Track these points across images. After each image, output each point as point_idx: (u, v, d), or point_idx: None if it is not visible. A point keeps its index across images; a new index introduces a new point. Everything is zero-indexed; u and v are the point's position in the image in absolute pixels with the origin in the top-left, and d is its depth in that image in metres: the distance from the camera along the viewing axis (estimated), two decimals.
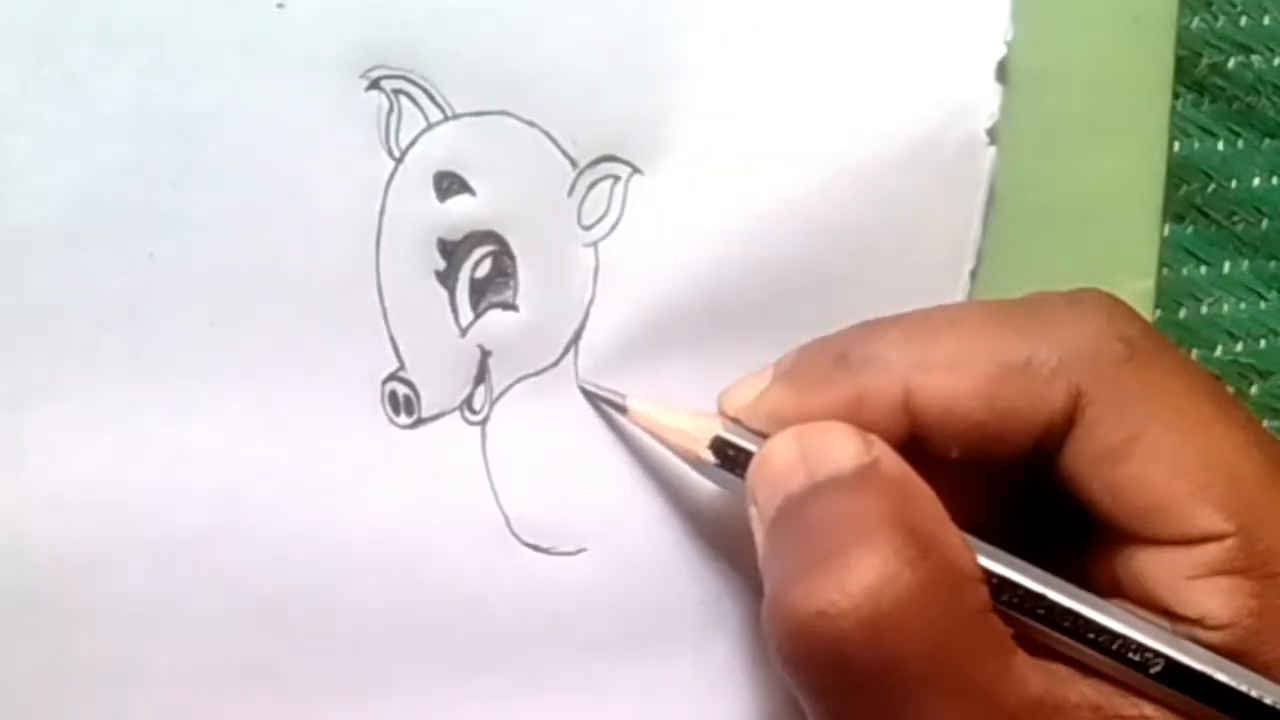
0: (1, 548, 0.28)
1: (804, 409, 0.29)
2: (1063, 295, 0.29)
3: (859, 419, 0.28)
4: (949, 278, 0.34)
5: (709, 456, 0.29)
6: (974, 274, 0.34)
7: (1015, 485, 0.29)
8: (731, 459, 0.29)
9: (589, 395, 0.31)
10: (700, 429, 0.30)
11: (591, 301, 0.31)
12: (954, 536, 0.27)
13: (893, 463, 0.27)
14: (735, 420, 0.30)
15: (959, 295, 0.34)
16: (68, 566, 0.28)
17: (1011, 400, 0.27)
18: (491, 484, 0.31)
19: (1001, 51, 0.33)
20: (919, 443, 0.28)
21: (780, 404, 0.29)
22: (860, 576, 0.25)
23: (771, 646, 0.26)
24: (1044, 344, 0.28)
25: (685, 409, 0.30)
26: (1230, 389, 0.41)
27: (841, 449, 0.27)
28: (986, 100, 0.33)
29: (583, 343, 0.31)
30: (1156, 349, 0.28)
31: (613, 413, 0.31)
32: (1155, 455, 0.27)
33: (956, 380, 0.28)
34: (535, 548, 0.31)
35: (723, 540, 0.32)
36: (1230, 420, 0.27)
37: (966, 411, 0.28)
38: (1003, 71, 0.33)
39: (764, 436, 0.29)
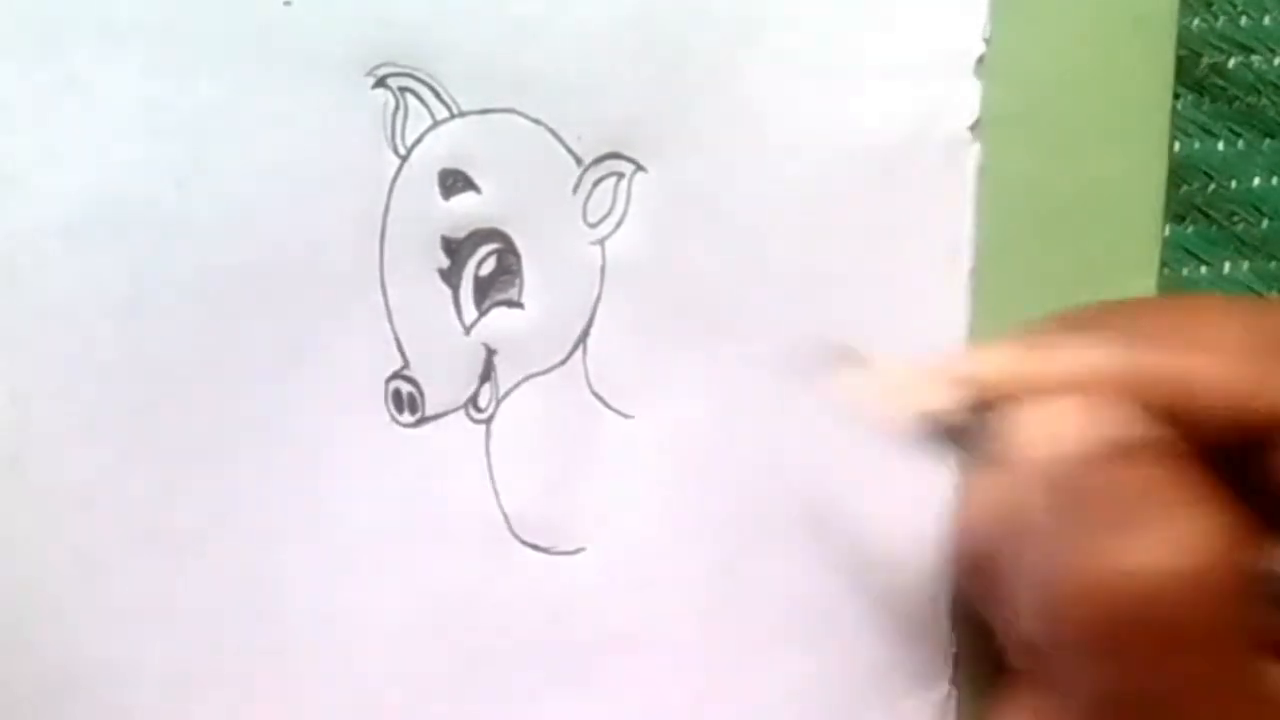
0: (1, 547, 0.28)
1: (1068, 370, 0.28)
2: None
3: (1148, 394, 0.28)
4: (948, 275, 0.34)
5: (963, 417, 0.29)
6: (973, 272, 0.34)
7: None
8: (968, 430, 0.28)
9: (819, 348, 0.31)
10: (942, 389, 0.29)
11: (599, 299, 0.31)
12: (1242, 529, 0.26)
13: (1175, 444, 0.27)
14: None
15: (960, 293, 0.34)
16: (68, 567, 0.28)
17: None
18: (493, 482, 0.31)
19: (981, 48, 0.33)
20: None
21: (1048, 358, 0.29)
22: (1178, 539, 0.25)
23: (1064, 611, 0.26)
24: None
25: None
26: None
27: (1127, 421, 0.27)
28: (968, 97, 0.33)
29: (590, 340, 0.31)
30: None
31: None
32: None
33: (1228, 364, 0.27)
34: (535, 547, 0.31)
35: (724, 541, 0.32)
36: None
37: (1230, 396, 0.27)
38: (982, 67, 0.33)
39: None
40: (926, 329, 0.34)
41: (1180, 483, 0.26)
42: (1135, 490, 0.26)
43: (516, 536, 0.31)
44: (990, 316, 0.34)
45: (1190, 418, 0.27)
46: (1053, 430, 0.27)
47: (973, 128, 0.33)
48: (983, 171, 0.34)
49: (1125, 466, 0.26)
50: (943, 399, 0.29)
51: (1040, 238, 0.35)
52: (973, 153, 0.33)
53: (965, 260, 0.34)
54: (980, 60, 0.33)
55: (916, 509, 0.32)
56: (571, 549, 0.32)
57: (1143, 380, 0.28)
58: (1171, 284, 0.39)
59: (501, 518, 0.31)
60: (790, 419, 0.33)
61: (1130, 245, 0.36)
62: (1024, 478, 0.28)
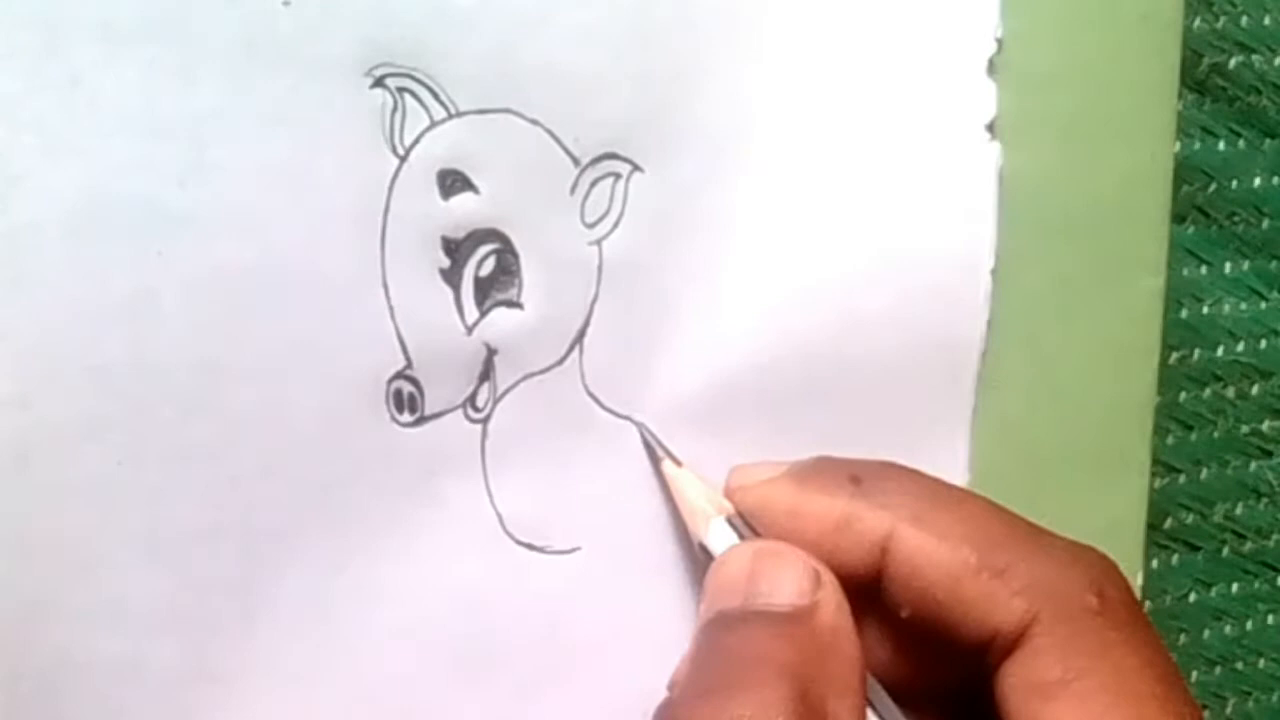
0: (4, 547, 0.28)
1: (797, 507, 0.30)
2: (1068, 539, 0.30)
3: (839, 539, 0.29)
4: (969, 277, 0.34)
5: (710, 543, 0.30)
6: (994, 273, 0.34)
7: (961, 677, 0.29)
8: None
9: (642, 436, 0.32)
10: (708, 512, 0.31)
11: (595, 300, 0.31)
12: (848, 712, 0.27)
13: (830, 613, 0.28)
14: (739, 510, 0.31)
15: (981, 295, 0.34)
16: (70, 565, 0.28)
17: (973, 594, 0.28)
18: (487, 482, 0.31)
19: (992, 48, 0.33)
20: (879, 589, 0.29)
21: (778, 495, 0.30)
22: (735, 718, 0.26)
23: None
24: (1027, 562, 0.28)
25: (708, 490, 0.31)
26: (1232, 389, 0.41)
27: (787, 582, 0.28)
28: (983, 97, 0.33)
29: (586, 341, 0.31)
30: (1130, 619, 0.28)
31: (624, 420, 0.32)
32: (1085, 704, 0.27)
33: (937, 549, 0.28)
34: (529, 546, 0.31)
35: None
36: (1168, 709, 0.28)
37: (930, 582, 0.28)
38: (994, 68, 0.33)
39: (756, 535, 0.30)
40: (943, 331, 0.34)
41: (794, 668, 0.27)
42: (745, 663, 0.27)
43: (510, 536, 0.31)
44: (1003, 316, 0.34)
45: (893, 587, 0.29)
46: (723, 575, 0.29)
47: (990, 127, 0.33)
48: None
49: (758, 635, 0.27)
50: (710, 524, 0.30)
51: (1050, 237, 0.35)
52: (992, 152, 0.34)
53: (987, 260, 0.34)
54: (993, 60, 0.33)
55: None
56: (566, 548, 0.32)
57: (878, 543, 0.29)
58: (1173, 283, 0.39)
59: (495, 517, 0.31)
60: (785, 418, 0.33)
61: (1140, 243, 0.36)
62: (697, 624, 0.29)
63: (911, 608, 0.29)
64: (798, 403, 0.33)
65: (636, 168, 0.31)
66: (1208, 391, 0.41)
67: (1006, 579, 0.28)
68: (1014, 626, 0.28)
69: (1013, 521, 0.29)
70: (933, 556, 0.28)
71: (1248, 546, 0.42)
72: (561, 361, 0.31)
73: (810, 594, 0.28)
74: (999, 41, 0.33)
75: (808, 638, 0.27)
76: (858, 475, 0.30)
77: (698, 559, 0.31)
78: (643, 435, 0.32)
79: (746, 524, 0.30)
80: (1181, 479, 0.41)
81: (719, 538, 0.30)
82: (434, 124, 0.30)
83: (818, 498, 0.30)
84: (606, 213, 0.31)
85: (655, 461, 0.32)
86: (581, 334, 0.31)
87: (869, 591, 0.29)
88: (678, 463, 0.32)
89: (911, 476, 0.30)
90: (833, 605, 0.28)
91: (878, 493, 0.29)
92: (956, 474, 0.35)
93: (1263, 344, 0.41)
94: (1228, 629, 0.42)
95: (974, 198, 0.34)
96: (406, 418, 0.30)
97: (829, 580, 0.28)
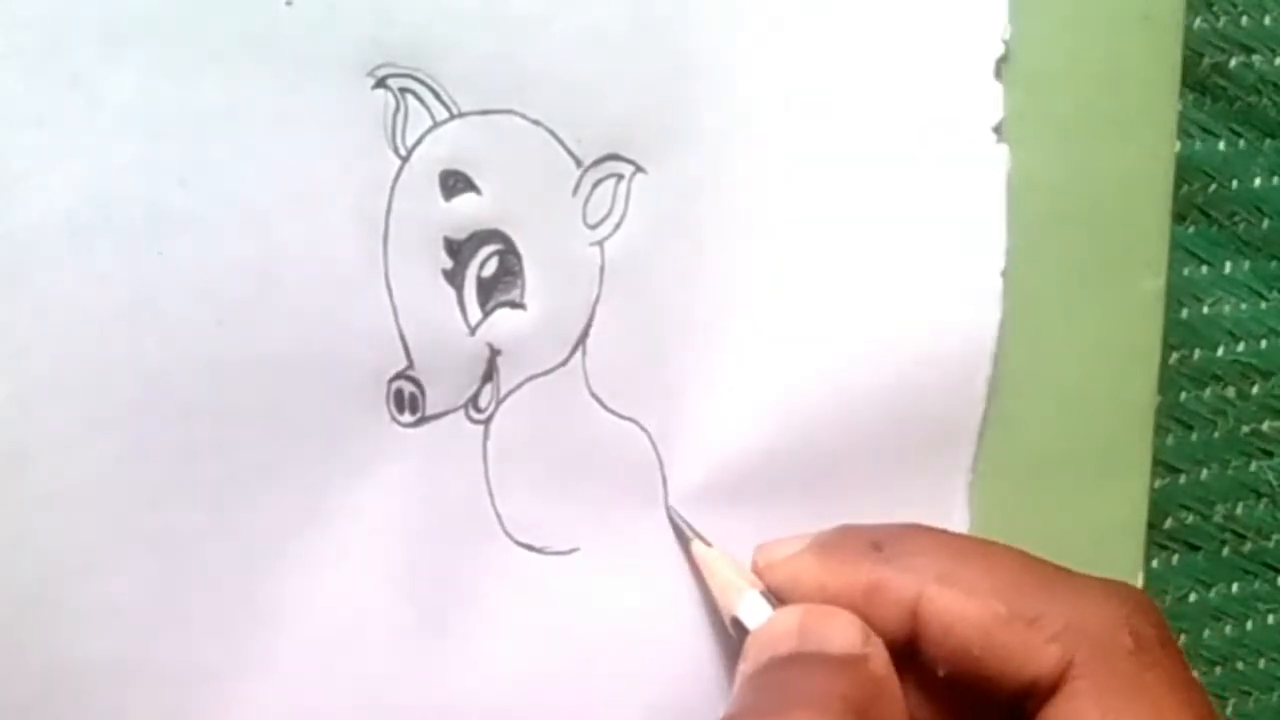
0: (3, 546, 0.28)
1: (824, 581, 0.30)
2: (1098, 578, 0.30)
3: (870, 607, 0.29)
4: (980, 277, 0.34)
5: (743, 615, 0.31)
6: (1005, 274, 0.34)
7: None
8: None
9: (671, 519, 0.32)
10: (740, 586, 0.31)
11: (597, 300, 0.31)
12: None
13: (881, 664, 0.28)
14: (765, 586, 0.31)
15: (993, 295, 0.34)
16: (69, 565, 0.28)
17: (1007, 645, 0.28)
18: (488, 482, 0.31)
19: (1000, 50, 0.33)
20: (915, 651, 0.29)
21: (804, 570, 0.30)
22: None
23: None
24: (1058, 607, 0.28)
25: (739, 567, 0.32)
26: (1232, 389, 0.41)
27: (839, 633, 0.29)
28: (990, 99, 0.33)
29: (589, 342, 0.31)
30: (1165, 657, 0.28)
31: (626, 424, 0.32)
32: None
33: (966, 605, 0.29)
34: (528, 547, 0.31)
35: (718, 541, 0.32)
36: None
37: (964, 638, 0.29)
38: (1002, 69, 0.33)
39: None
40: (953, 334, 0.34)
41: (851, 699, 0.27)
42: (802, 691, 0.27)
43: (509, 536, 0.31)
44: (1004, 316, 0.34)
45: (927, 648, 0.29)
46: (773, 630, 0.30)
47: (997, 129, 0.33)
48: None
49: (813, 671, 0.28)
50: (743, 597, 0.31)
51: (1052, 237, 0.35)
52: (1000, 154, 0.34)
53: (997, 262, 0.34)
54: (1000, 61, 0.33)
55: (918, 509, 0.32)
56: (565, 549, 0.32)
57: (908, 606, 0.29)
58: (1173, 283, 0.39)
59: (495, 518, 0.31)
60: (787, 421, 0.33)
61: (1141, 244, 0.36)
62: (739, 673, 0.30)
63: (947, 665, 0.29)
64: (801, 401, 0.33)
65: (639, 169, 0.31)
66: (1208, 391, 0.41)
67: (1039, 627, 0.28)
68: (1050, 673, 0.28)
69: (1039, 568, 0.30)
70: (963, 613, 0.29)
71: (1248, 546, 0.42)
72: (565, 363, 0.31)
73: (861, 646, 0.28)
74: (1006, 44, 0.33)
75: (864, 679, 0.28)
76: (879, 541, 0.30)
77: (730, 637, 0.32)
78: (670, 516, 0.32)
79: (777, 599, 0.31)
80: (1181, 479, 0.41)
81: (753, 610, 0.30)
82: (436, 124, 0.30)
83: (843, 569, 0.30)
84: (609, 213, 0.31)
85: (684, 542, 0.32)
86: (584, 335, 0.31)
87: (903, 653, 0.29)
88: (707, 543, 0.32)
89: (932, 536, 0.30)
90: (882, 659, 0.28)
91: (901, 556, 0.30)
92: (959, 475, 0.35)
93: (1263, 344, 0.41)
94: (1228, 629, 0.43)
95: (982, 200, 0.34)
96: (407, 418, 0.30)
97: (876, 639, 0.29)
